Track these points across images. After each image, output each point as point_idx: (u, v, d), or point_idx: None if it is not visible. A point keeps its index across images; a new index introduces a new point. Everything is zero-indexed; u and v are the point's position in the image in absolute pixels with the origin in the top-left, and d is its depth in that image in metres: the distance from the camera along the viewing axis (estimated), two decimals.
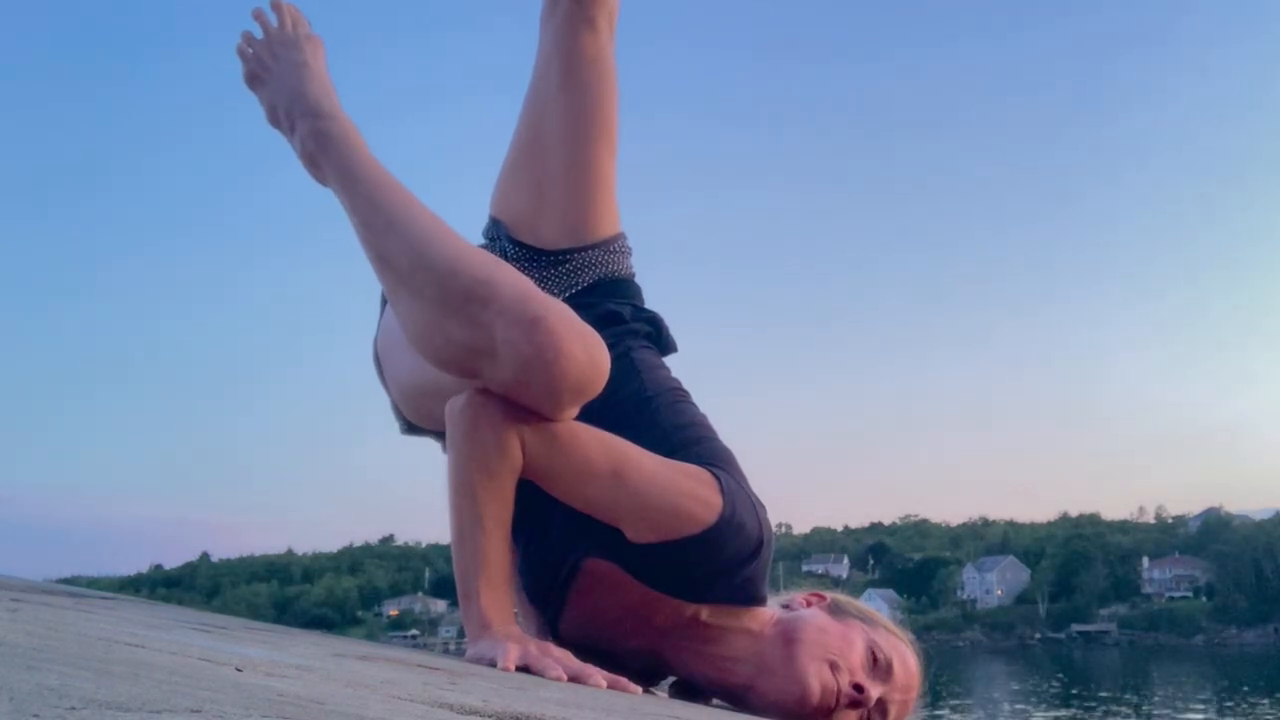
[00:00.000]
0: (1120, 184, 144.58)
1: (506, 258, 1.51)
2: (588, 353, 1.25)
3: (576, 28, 1.59)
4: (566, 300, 1.45)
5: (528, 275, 1.38)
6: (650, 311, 1.60)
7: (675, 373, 1.57)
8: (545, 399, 1.26)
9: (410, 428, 1.64)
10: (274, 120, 1.57)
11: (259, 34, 1.60)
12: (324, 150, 1.46)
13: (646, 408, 1.44)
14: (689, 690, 1.45)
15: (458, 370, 1.31)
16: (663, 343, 1.59)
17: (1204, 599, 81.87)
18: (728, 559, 1.33)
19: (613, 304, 1.54)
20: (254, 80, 1.59)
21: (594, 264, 1.57)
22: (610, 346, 1.40)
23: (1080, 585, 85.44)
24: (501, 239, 1.59)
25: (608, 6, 1.62)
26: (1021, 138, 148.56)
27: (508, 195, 1.63)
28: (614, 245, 1.60)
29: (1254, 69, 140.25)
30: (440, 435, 1.55)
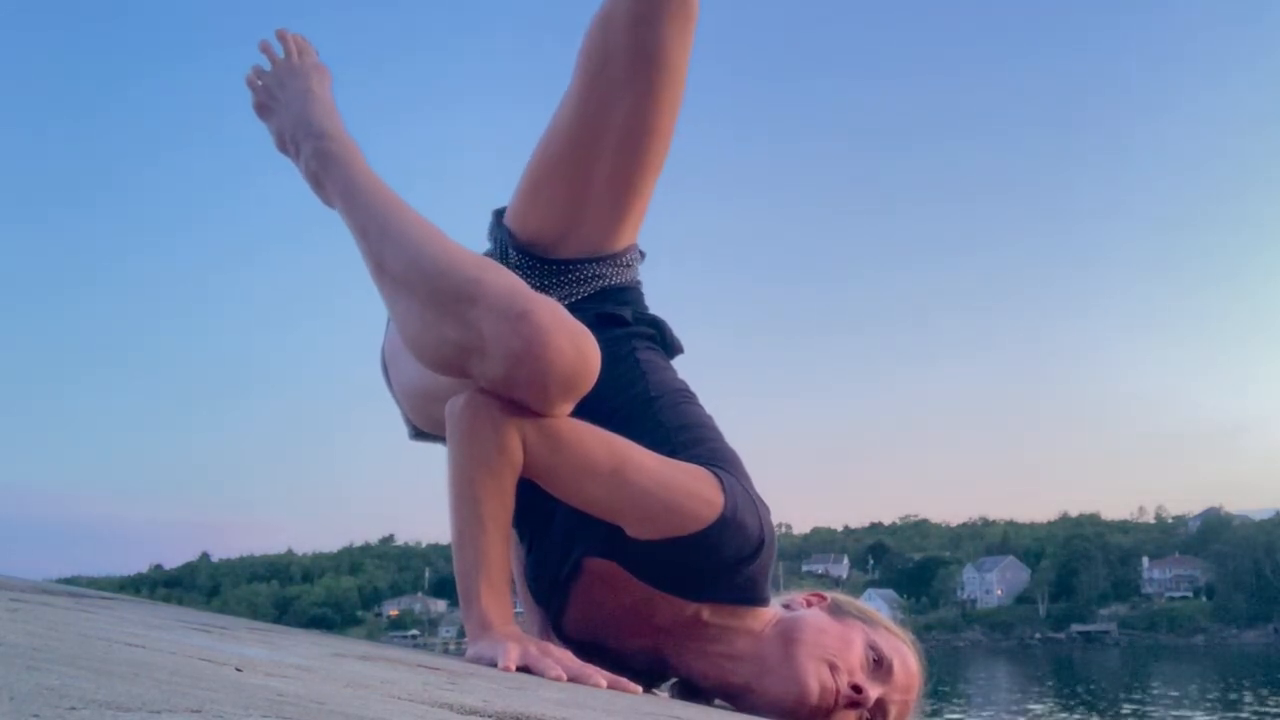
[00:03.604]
0: (1122, 186, 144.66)
1: (509, 265, 1.48)
2: (576, 347, 1.25)
3: (670, 18, 1.43)
4: (566, 306, 1.44)
5: (530, 283, 1.37)
6: (652, 315, 1.59)
7: (679, 374, 1.57)
8: (535, 394, 1.26)
9: (418, 433, 1.65)
10: (281, 147, 1.61)
11: (267, 66, 1.65)
12: (326, 169, 1.50)
13: (650, 408, 1.43)
14: (690, 691, 1.44)
15: (451, 371, 1.32)
16: (667, 345, 1.58)
17: (1204, 599, 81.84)
18: (727, 558, 1.33)
19: (612, 307, 1.53)
20: (262, 110, 1.65)
21: (601, 275, 1.54)
22: (614, 346, 1.40)
23: (1080, 585, 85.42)
24: (507, 248, 1.55)
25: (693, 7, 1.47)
26: (1023, 138, 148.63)
27: (533, 201, 1.54)
28: (626, 257, 1.57)
29: (1259, 76, 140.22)
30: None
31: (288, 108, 1.60)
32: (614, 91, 1.45)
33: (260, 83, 1.65)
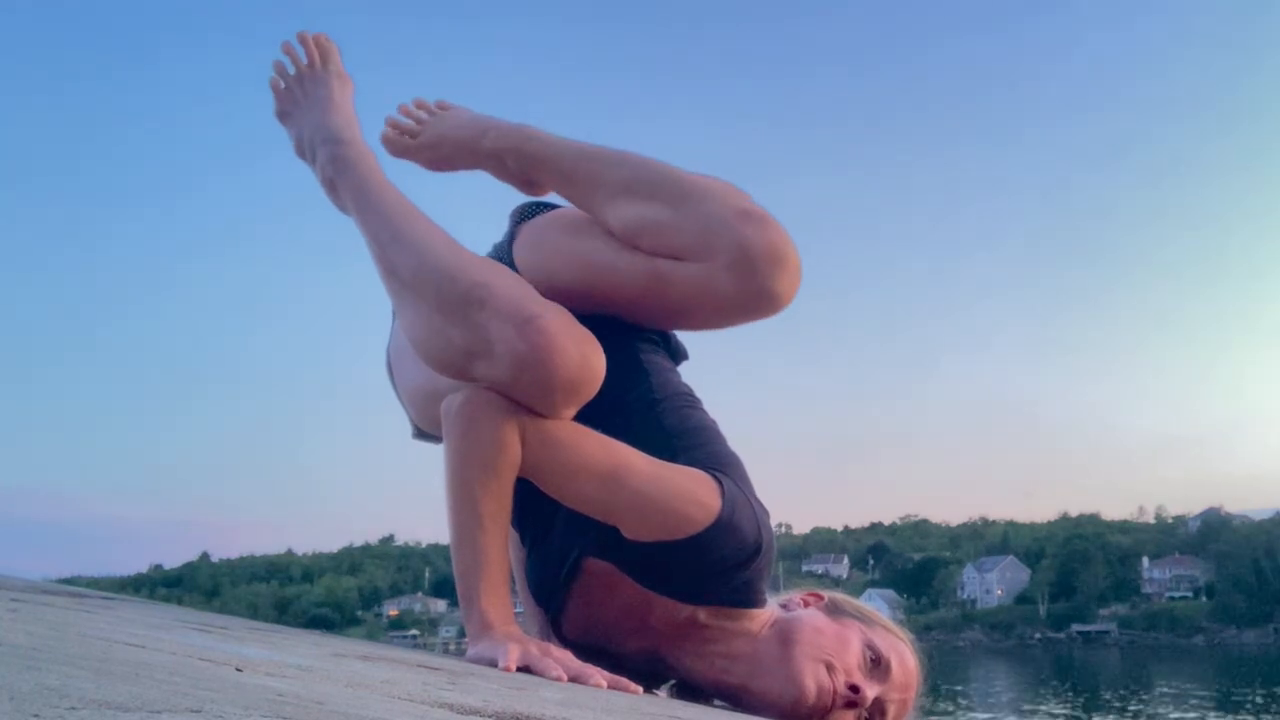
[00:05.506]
0: (1117, 183, 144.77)
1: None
2: (581, 352, 1.25)
3: (756, 316, 1.43)
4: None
5: None
6: None
7: (683, 378, 1.56)
8: (539, 397, 1.26)
9: (421, 434, 1.66)
10: (300, 152, 1.64)
11: (289, 66, 1.67)
12: (340, 175, 1.52)
13: (653, 410, 1.43)
14: (689, 691, 1.45)
15: (456, 374, 1.32)
16: (672, 349, 1.58)
17: (1204, 599, 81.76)
18: (720, 561, 1.32)
19: None
20: (284, 116, 1.67)
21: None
22: (619, 348, 1.41)
23: (1080, 585, 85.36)
24: (509, 261, 1.52)
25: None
26: (1022, 135, 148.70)
27: (545, 271, 1.48)
28: None
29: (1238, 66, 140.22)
30: None
31: (308, 114, 1.62)
32: (653, 316, 1.47)
33: (283, 86, 1.67)
